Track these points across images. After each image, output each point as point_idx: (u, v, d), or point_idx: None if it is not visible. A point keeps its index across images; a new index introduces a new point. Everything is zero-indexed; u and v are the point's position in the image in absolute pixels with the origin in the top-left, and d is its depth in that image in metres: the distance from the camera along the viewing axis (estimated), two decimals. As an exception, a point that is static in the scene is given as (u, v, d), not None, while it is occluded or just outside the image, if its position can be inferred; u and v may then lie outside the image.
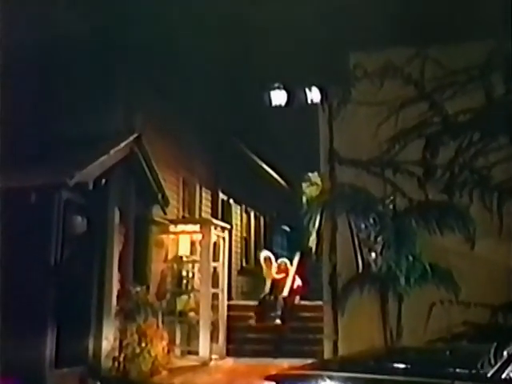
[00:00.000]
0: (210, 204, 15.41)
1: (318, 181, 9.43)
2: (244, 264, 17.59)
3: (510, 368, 3.65)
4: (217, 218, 14.39)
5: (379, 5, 8.05)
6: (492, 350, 4.23)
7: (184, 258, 12.53)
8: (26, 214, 8.60)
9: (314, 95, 8.50)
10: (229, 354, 12.51)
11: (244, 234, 18.15)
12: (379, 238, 7.76)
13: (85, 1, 9.75)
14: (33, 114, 9.74)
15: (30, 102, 9.73)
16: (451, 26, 7.74)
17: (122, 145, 10.16)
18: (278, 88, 8.57)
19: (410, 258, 7.48)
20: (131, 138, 10.45)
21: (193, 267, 12.56)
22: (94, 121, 10.12)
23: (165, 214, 11.93)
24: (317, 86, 8.46)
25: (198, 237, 12.55)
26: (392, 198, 8.12)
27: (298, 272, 14.03)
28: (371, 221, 7.80)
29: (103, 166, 9.55)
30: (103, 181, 9.52)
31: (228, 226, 13.86)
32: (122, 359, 9.62)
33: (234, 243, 16.16)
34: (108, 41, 10.15)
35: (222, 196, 16.14)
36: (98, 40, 10.16)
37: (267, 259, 14.45)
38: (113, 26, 9.93)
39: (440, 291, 7.41)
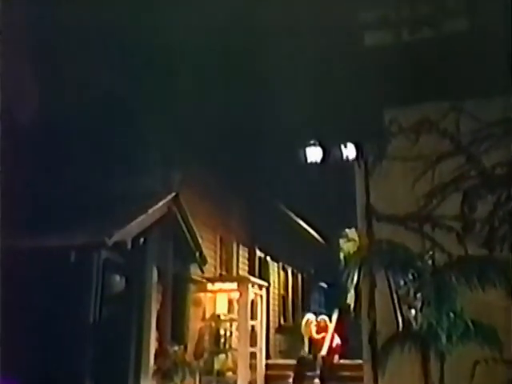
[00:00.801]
0: (247, 261, 15.39)
1: (355, 237, 9.38)
2: (282, 322, 17.41)
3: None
4: (254, 276, 14.35)
5: (413, 60, 8.12)
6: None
7: (222, 317, 12.48)
8: (66, 273, 8.70)
9: (349, 152, 8.54)
10: (267, 414, 12.31)
11: (282, 292, 18.02)
12: (419, 295, 7.60)
13: (121, 59, 10.02)
14: (71, 174, 9.95)
15: (68, 160, 9.96)
16: (485, 79, 7.74)
17: (160, 204, 10.28)
18: (314, 145, 8.63)
19: (451, 314, 7.30)
20: (169, 197, 10.57)
21: (230, 326, 12.49)
22: (132, 180, 10.28)
23: (202, 272, 11.95)
24: (352, 143, 8.50)
25: (235, 295, 12.52)
26: (431, 253, 8.00)
27: (336, 330, 13.81)
28: (410, 277, 7.66)
29: (141, 225, 9.66)
30: (141, 240, 9.61)
31: (265, 284, 13.79)
32: (159, 420, 9.53)
33: (271, 301, 16.04)
34: (144, 100, 10.40)
35: (259, 253, 16.11)
36: (135, 98, 10.41)
37: (309, 322, 14.20)
38: (150, 86, 10.17)
39: (484, 349, 7.19)
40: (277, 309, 17.17)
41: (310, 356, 13.36)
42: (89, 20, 8.98)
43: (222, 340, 12.32)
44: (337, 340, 13.61)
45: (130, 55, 9.94)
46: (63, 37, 9.37)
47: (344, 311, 14.19)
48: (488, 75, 7.69)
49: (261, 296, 13.15)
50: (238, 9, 8.37)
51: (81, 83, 9.94)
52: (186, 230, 10.97)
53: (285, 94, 9.63)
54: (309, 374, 12.92)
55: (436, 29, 8.19)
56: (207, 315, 12.34)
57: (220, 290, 12.58)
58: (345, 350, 13.49)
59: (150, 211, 9.92)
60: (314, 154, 8.61)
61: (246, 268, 15.21)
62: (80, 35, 9.31)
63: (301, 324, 14.37)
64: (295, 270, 19.19)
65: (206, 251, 11.82)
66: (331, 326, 13.86)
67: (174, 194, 10.68)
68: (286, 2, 8.37)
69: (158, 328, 10.27)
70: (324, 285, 21.12)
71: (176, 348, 10.58)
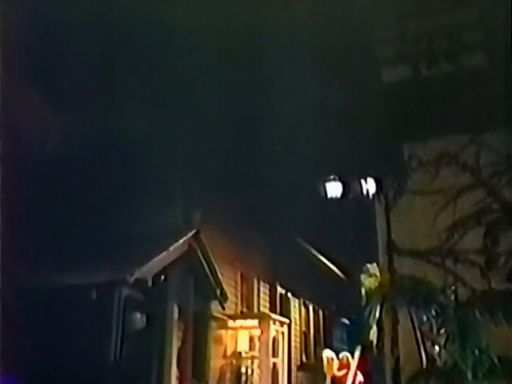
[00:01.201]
0: (268, 298, 15.29)
1: (377, 272, 9.29)
2: (304, 359, 17.20)
3: None
4: (275, 313, 14.25)
5: (432, 94, 8.14)
6: None
7: (243, 354, 12.37)
8: (87, 311, 8.71)
9: (369, 186, 8.52)
10: None
11: (303, 328, 17.84)
12: (442, 331, 7.49)
13: (144, 100, 10.15)
14: (93, 211, 10.02)
15: (89, 198, 10.05)
16: (503, 112, 7.73)
17: (181, 241, 10.31)
18: (334, 180, 8.63)
19: (476, 351, 7.17)
20: (190, 234, 10.59)
21: (252, 363, 12.37)
22: (153, 218, 10.33)
23: (223, 309, 11.90)
24: (372, 178, 8.49)
25: (256, 332, 12.43)
26: (454, 288, 7.91)
27: (359, 367, 13.60)
28: (433, 312, 7.56)
29: (162, 262, 9.68)
30: (162, 277, 9.62)
31: (287, 321, 13.68)
32: None
33: (293, 338, 15.88)
34: (166, 138, 10.50)
35: (280, 290, 16.01)
36: (158, 138, 10.52)
37: (329, 359, 14.02)
38: (169, 125, 10.28)
39: (511, 385, 7.05)
40: (298, 346, 16.98)
41: (333, 394, 13.15)
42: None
43: (244, 378, 12.20)
44: (359, 377, 13.40)
45: (148, 91, 10.08)
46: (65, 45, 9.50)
47: (366, 347, 13.99)
48: (506, 108, 7.68)
49: (282, 333, 13.04)
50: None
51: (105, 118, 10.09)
52: (206, 267, 10.96)
53: (305, 130, 9.69)
54: (332, 411, 12.72)
55: (453, 63, 8.22)
56: (228, 352, 12.24)
57: (241, 327, 12.50)
58: (368, 388, 13.26)
59: (171, 248, 9.95)
60: (334, 189, 8.60)
61: (267, 304, 15.10)
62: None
63: (322, 361, 14.18)
64: (316, 307, 19.03)
65: (226, 288, 11.78)
66: (353, 363, 13.66)
67: (194, 231, 10.70)
68: (303, 37, 8.48)
69: (178, 366, 10.20)
70: (346, 321, 20.89)
71: (197, 386, 10.50)
